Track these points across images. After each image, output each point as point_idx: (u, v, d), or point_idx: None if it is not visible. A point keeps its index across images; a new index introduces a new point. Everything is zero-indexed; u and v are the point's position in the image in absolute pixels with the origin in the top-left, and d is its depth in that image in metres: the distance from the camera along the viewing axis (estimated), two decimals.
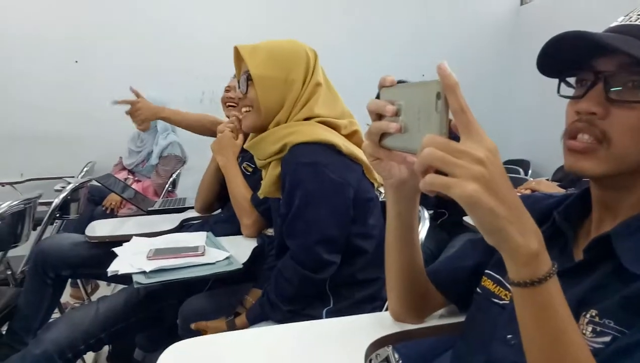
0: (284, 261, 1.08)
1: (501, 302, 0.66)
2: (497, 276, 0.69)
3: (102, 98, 3.36)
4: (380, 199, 1.19)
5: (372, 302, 1.10)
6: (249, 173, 1.71)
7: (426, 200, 1.53)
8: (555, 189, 1.84)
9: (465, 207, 0.44)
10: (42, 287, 1.58)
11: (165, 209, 2.10)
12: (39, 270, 1.57)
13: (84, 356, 1.54)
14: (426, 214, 1.25)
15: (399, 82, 0.57)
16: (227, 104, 2.27)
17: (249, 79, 1.13)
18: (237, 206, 1.53)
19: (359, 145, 1.14)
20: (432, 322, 0.80)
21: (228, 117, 1.88)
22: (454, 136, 0.46)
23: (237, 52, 1.16)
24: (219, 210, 1.85)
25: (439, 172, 0.45)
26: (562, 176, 2.22)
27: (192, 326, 1.16)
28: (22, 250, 1.76)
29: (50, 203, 1.82)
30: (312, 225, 1.03)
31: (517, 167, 3.34)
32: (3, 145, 3.32)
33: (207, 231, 1.50)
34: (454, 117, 0.46)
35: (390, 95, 0.56)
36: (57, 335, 1.31)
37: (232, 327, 1.13)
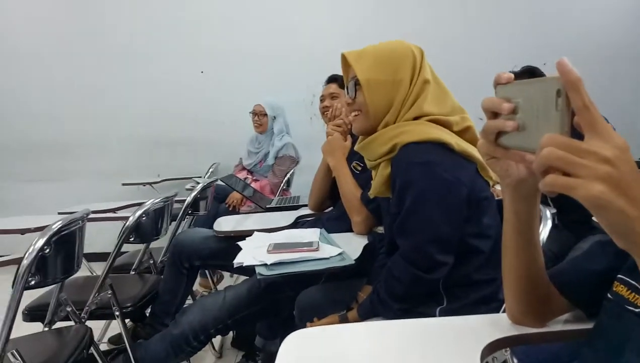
0: (395, 260, 1.09)
1: (637, 310, 0.60)
2: (632, 282, 0.63)
3: (224, 105, 3.71)
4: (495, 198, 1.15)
5: (488, 304, 1.06)
6: (358, 171, 1.74)
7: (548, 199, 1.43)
8: None
9: (592, 209, 0.42)
10: (178, 276, 1.78)
11: (281, 207, 2.23)
12: (175, 260, 1.78)
13: (212, 340, 1.71)
14: (548, 213, 1.17)
15: (515, 78, 0.55)
16: (324, 112, 2.35)
17: (356, 84, 1.15)
18: (348, 204, 1.58)
19: (472, 142, 1.11)
20: (555, 327, 0.76)
21: (326, 124, 1.94)
22: (577, 135, 0.44)
23: (344, 58, 1.19)
24: (331, 208, 1.91)
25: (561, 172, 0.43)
26: None
27: (308, 325, 1.21)
28: (161, 243, 2.01)
29: (182, 201, 2.04)
30: (424, 224, 1.02)
31: None
32: (144, 150, 3.78)
33: (320, 228, 1.56)
34: (577, 114, 0.44)
35: (507, 92, 0.54)
36: (192, 319, 1.48)
37: (344, 321, 1.17)
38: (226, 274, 2.99)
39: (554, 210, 1.16)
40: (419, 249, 1.03)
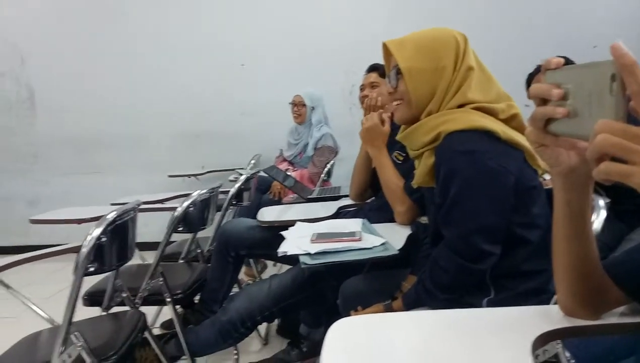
0: (440, 249, 1.08)
1: None
2: None
3: (265, 97, 3.76)
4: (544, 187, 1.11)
5: (538, 295, 1.03)
6: (400, 162, 1.73)
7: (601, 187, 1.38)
8: None
9: None
10: (225, 264, 1.83)
11: (322, 197, 2.24)
12: (222, 249, 1.83)
13: (259, 328, 1.75)
14: (601, 203, 1.13)
15: (565, 63, 0.53)
16: (363, 101, 2.33)
17: (398, 73, 1.14)
18: (390, 194, 1.57)
19: (519, 129, 1.08)
20: (611, 319, 0.73)
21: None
22: (632, 121, 0.43)
23: (385, 47, 1.18)
24: (372, 198, 1.91)
25: (615, 159, 0.42)
26: None
27: (352, 314, 1.22)
28: (207, 232, 2.07)
29: (226, 192, 2.09)
30: (469, 214, 1.01)
31: None
32: (188, 143, 3.90)
33: (362, 218, 1.57)
34: (633, 99, 0.42)
35: (557, 77, 0.53)
36: (239, 306, 1.53)
37: (389, 310, 1.17)
38: (269, 263, 3.05)
39: (608, 200, 1.11)
40: (465, 239, 1.02)
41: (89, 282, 1.56)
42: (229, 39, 3.76)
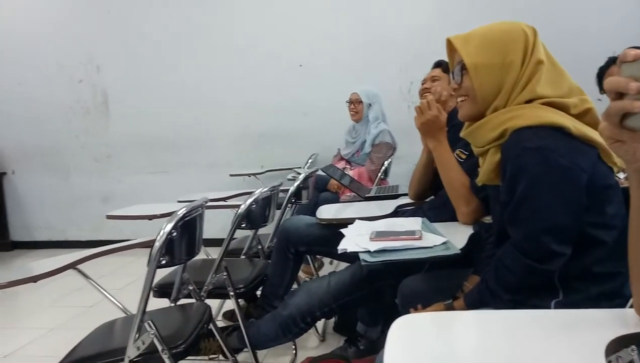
0: (506, 249, 1.05)
1: None
2: None
3: (323, 97, 3.80)
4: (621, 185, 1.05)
5: (612, 299, 0.98)
6: (462, 160, 1.68)
7: None
8: None
9: None
10: (285, 260, 1.88)
11: (380, 196, 2.24)
12: (282, 245, 1.88)
13: (317, 325, 1.78)
14: None
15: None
16: (424, 94, 2.29)
17: (463, 68, 1.11)
18: (453, 192, 1.51)
19: (592, 125, 1.03)
20: None
21: None
22: None
23: (449, 43, 1.16)
24: (432, 197, 1.88)
25: None
26: None
27: (411, 311, 1.22)
28: (267, 229, 2.13)
29: (286, 190, 2.14)
30: (538, 212, 0.97)
31: None
32: (248, 143, 4.02)
33: (422, 217, 1.55)
34: None
35: (634, 70, 0.50)
36: (299, 302, 1.56)
37: (450, 309, 1.16)
38: (326, 261, 3.09)
39: None
40: (533, 238, 0.98)
41: (158, 275, 1.66)
42: (287, 40, 3.84)
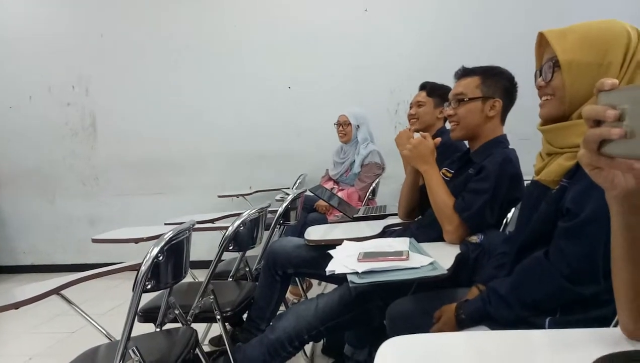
0: (538, 262, 1.00)
1: None
2: None
3: (310, 118, 3.83)
4: None
5: (607, 325, 0.97)
6: (447, 178, 1.71)
7: None
8: None
9: None
10: (272, 282, 1.86)
11: (368, 216, 2.24)
12: (270, 267, 1.86)
13: (305, 347, 1.75)
14: None
15: None
16: (411, 120, 2.34)
17: (555, 65, 1.03)
18: (439, 212, 1.55)
19: None
20: None
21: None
22: None
23: (541, 37, 1.09)
24: (420, 216, 1.89)
25: None
26: None
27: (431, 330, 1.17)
28: (255, 251, 2.11)
29: (274, 211, 2.13)
30: (607, 236, 0.93)
31: None
32: (236, 164, 4.01)
33: (409, 237, 1.55)
34: None
35: (611, 99, 0.52)
36: (287, 325, 1.54)
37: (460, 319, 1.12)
38: (314, 282, 3.06)
39: None
40: (590, 260, 0.93)
41: (144, 299, 1.63)
42: (276, 62, 3.88)
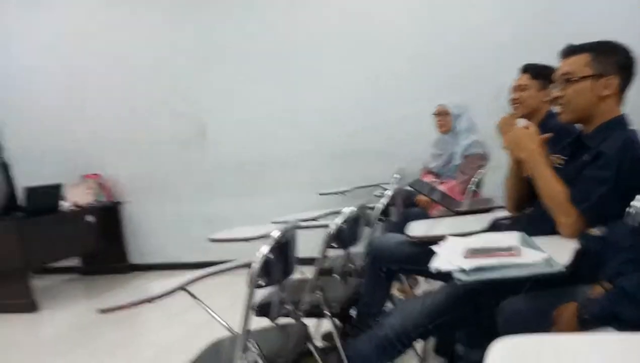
0: None
1: None
2: None
3: (405, 111, 3.79)
4: None
5: None
6: (560, 166, 1.58)
7: None
8: None
9: None
10: (377, 279, 1.88)
11: (473, 210, 2.16)
12: (373, 264, 1.88)
13: (416, 345, 1.74)
14: None
15: None
16: (514, 104, 2.19)
17: None
18: (550, 203, 1.44)
19: None
20: None
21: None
22: None
23: None
24: (531, 208, 1.77)
25: None
26: None
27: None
28: (359, 248, 2.14)
29: (372, 208, 2.14)
30: None
31: None
32: (335, 161, 4.12)
33: (520, 231, 1.47)
34: None
35: None
36: (394, 322, 1.54)
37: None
38: (421, 279, 3.01)
39: None
40: None
41: (258, 294, 1.74)
42: (366, 57, 3.92)
